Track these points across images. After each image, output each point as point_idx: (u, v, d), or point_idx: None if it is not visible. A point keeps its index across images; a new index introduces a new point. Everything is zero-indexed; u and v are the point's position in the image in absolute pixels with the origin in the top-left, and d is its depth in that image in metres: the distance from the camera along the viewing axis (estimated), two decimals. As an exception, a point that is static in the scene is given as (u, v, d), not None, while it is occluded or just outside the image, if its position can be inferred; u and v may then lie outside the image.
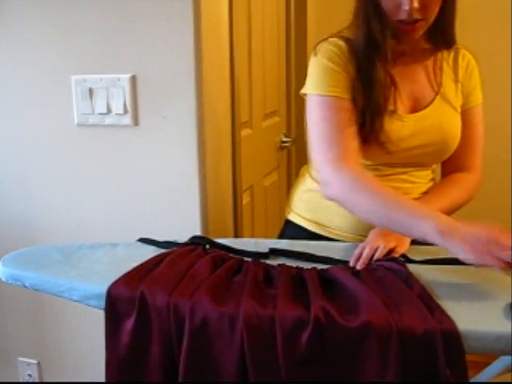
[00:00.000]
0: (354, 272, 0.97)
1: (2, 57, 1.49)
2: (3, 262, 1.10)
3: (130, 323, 0.92)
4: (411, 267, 0.99)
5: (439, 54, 1.22)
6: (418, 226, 0.96)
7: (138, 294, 0.92)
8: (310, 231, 1.31)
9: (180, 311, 0.88)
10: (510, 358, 1.28)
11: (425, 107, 1.19)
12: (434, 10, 1.11)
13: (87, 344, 1.63)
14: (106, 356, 0.95)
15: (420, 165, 1.23)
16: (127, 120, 1.41)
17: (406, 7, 1.07)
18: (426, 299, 0.86)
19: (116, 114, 1.41)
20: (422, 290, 0.89)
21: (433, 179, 1.29)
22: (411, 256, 1.07)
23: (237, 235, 1.66)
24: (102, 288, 0.95)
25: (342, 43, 1.17)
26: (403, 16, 1.09)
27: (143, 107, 1.40)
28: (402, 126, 1.16)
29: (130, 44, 1.37)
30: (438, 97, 1.20)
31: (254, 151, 1.88)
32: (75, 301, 1.01)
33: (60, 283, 1.01)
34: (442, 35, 1.18)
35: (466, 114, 1.23)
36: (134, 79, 1.38)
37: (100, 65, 1.40)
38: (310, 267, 1.00)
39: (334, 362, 0.82)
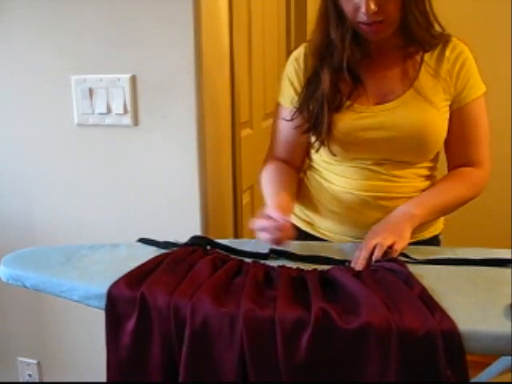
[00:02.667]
0: (354, 273, 0.96)
1: (2, 57, 1.49)
2: (4, 262, 1.10)
3: (130, 324, 0.92)
4: (412, 268, 0.99)
5: (417, 49, 1.19)
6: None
7: (139, 295, 0.92)
8: (302, 230, 1.33)
9: (180, 312, 0.88)
10: (510, 358, 1.28)
11: (391, 101, 1.18)
12: (393, 11, 1.10)
13: (87, 344, 1.63)
14: (106, 356, 0.95)
15: (398, 161, 1.21)
16: (127, 120, 1.41)
17: (363, 10, 1.08)
18: (427, 300, 0.86)
19: (116, 114, 1.41)
20: (423, 290, 0.89)
21: (427, 177, 1.26)
22: (412, 256, 1.07)
23: (237, 235, 1.66)
24: (103, 288, 0.95)
25: (302, 50, 1.26)
26: (362, 18, 1.10)
27: (143, 107, 1.40)
28: (358, 118, 1.18)
29: (130, 44, 1.37)
30: (409, 91, 1.18)
31: (253, 151, 1.88)
32: (75, 301, 1.01)
33: (60, 283, 1.01)
34: (410, 35, 1.16)
35: (462, 110, 1.21)
36: (134, 79, 1.38)
37: (100, 65, 1.40)
38: (310, 268, 1.00)
39: (335, 362, 0.82)
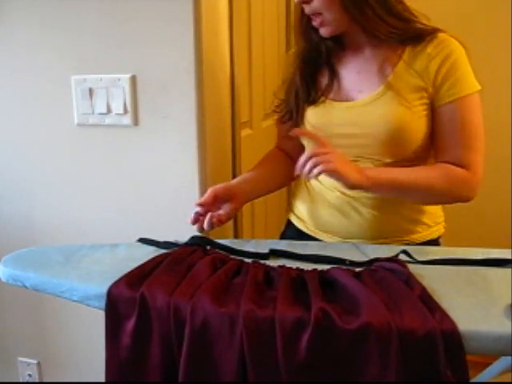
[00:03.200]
0: (354, 273, 0.96)
1: (2, 57, 1.49)
2: (3, 263, 1.10)
3: (130, 324, 0.92)
4: (412, 268, 0.99)
5: (395, 46, 1.16)
6: None
7: (139, 295, 0.92)
8: (298, 229, 1.34)
9: (180, 312, 0.88)
10: (510, 358, 1.28)
11: (365, 97, 1.18)
12: (323, 4, 1.12)
13: (87, 344, 1.63)
14: (106, 356, 0.95)
15: (375, 159, 1.18)
16: (127, 120, 1.41)
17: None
18: (427, 300, 0.86)
19: (116, 113, 1.41)
20: (423, 290, 0.89)
21: None
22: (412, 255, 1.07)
23: (237, 235, 1.66)
24: (103, 288, 0.95)
25: (292, 51, 1.33)
26: (308, 12, 1.17)
27: (143, 107, 1.39)
28: (330, 112, 1.20)
29: (130, 44, 1.37)
30: (382, 88, 1.15)
31: (253, 151, 1.88)
32: (75, 301, 1.01)
33: (60, 283, 1.01)
34: (371, 32, 1.15)
35: (444, 109, 1.13)
36: (134, 79, 1.38)
37: (100, 65, 1.40)
38: (310, 268, 1.00)
39: (334, 363, 0.82)
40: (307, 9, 1.15)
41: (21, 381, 1.73)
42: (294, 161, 1.15)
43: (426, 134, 1.17)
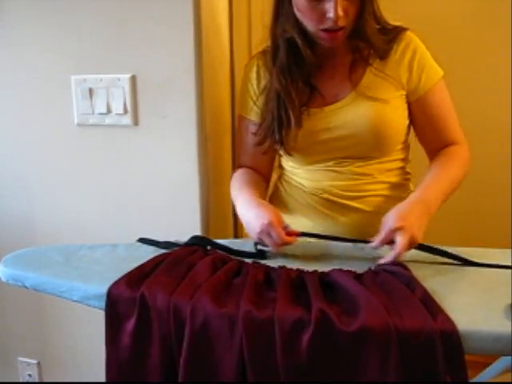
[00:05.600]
0: (355, 275, 0.96)
1: (2, 57, 1.49)
2: (3, 263, 1.10)
3: (130, 324, 0.92)
4: (413, 268, 0.98)
5: (364, 51, 1.19)
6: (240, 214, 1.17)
7: (139, 295, 0.92)
8: None
9: (180, 313, 0.88)
10: (510, 358, 1.28)
11: (339, 100, 1.20)
12: (352, 16, 1.11)
13: (87, 344, 1.63)
14: (106, 356, 0.95)
15: (359, 157, 1.21)
16: (127, 120, 1.41)
17: (331, 15, 1.07)
18: (429, 303, 0.85)
19: (116, 114, 1.41)
20: (425, 293, 0.88)
21: (397, 170, 1.26)
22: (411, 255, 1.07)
23: (237, 235, 1.66)
24: (103, 288, 0.95)
25: (255, 61, 1.29)
26: (328, 24, 1.09)
27: (143, 107, 1.39)
28: (312, 120, 1.19)
29: (130, 44, 1.37)
30: (354, 92, 1.19)
31: (253, 151, 1.88)
32: (75, 301, 1.01)
33: (60, 283, 1.01)
34: (366, 43, 1.17)
35: (424, 99, 1.21)
36: (134, 79, 1.38)
37: (100, 65, 1.40)
38: (310, 269, 0.99)
39: (334, 364, 0.82)
40: (341, 22, 1.09)
41: (21, 381, 1.73)
42: (266, 178, 1.31)
43: (406, 125, 1.23)
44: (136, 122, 1.41)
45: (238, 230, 1.66)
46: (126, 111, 1.40)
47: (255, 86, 1.28)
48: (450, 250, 1.12)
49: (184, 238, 1.18)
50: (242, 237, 1.68)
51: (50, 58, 1.44)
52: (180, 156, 1.39)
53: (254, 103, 1.27)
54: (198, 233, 1.39)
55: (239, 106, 1.34)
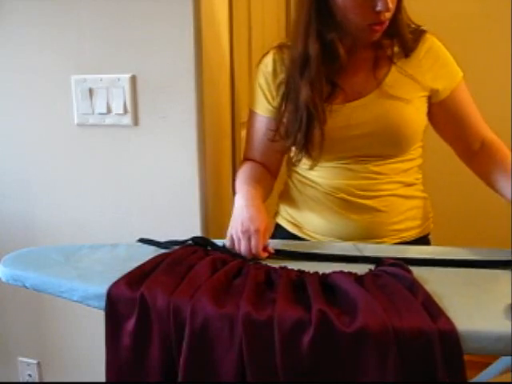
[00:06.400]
0: (356, 278, 0.95)
1: (2, 57, 1.49)
2: (3, 262, 1.10)
3: (130, 324, 0.92)
4: (413, 269, 0.98)
5: (388, 50, 1.20)
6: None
7: (139, 295, 0.92)
8: (290, 233, 1.33)
9: (180, 313, 0.88)
10: (510, 358, 1.28)
11: (362, 98, 1.19)
12: (393, 8, 1.12)
13: (87, 344, 1.63)
14: (106, 356, 0.95)
15: (375, 156, 1.21)
16: (127, 120, 1.41)
17: (381, 8, 1.07)
18: (430, 306, 0.85)
19: (116, 113, 1.41)
20: (427, 296, 0.88)
21: (410, 170, 1.26)
22: (410, 255, 1.07)
23: (237, 235, 1.66)
24: (103, 288, 0.95)
25: (271, 56, 1.26)
26: (376, 18, 1.10)
27: (143, 107, 1.39)
28: (334, 116, 1.18)
29: (130, 44, 1.37)
30: (377, 90, 1.19)
31: (253, 151, 1.88)
32: (75, 301, 1.01)
33: (60, 283, 1.01)
34: (398, 36, 1.18)
35: (448, 102, 1.22)
36: (134, 79, 1.38)
37: (100, 65, 1.40)
38: (311, 271, 0.99)
39: (334, 364, 0.81)
40: (388, 14, 1.10)
41: (21, 381, 1.73)
42: (274, 175, 1.31)
43: (424, 126, 1.23)
44: (136, 122, 1.41)
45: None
46: (126, 111, 1.40)
47: (271, 82, 1.26)
48: (450, 249, 1.12)
49: (184, 237, 1.17)
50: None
51: (50, 58, 1.44)
52: (180, 156, 1.39)
53: (270, 100, 1.26)
54: (198, 233, 1.39)
55: (251, 101, 1.32)
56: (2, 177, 1.58)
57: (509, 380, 1.42)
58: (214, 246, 1.14)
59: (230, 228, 1.13)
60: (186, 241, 1.15)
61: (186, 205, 1.41)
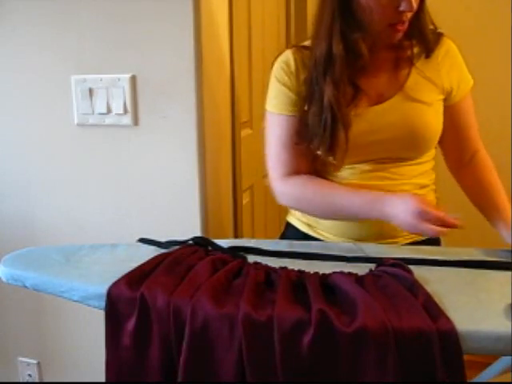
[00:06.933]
0: (357, 279, 0.95)
1: (2, 57, 1.49)
2: (4, 262, 1.10)
3: (130, 324, 0.92)
4: (413, 269, 0.98)
5: (408, 51, 1.20)
6: (368, 215, 1.13)
7: (139, 295, 0.92)
8: (303, 232, 1.32)
9: (180, 313, 0.88)
10: (510, 358, 1.28)
11: (385, 101, 1.18)
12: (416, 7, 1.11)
13: (87, 344, 1.63)
14: (106, 356, 0.95)
15: (398, 158, 1.21)
16: (127, 120, 1.41)
17: (405, 8, 1.07)
18: (431, 307, 0.85)
19: (116, 113, 1.41)
20: (428, 297, 0.87)
21: (426, 172, 1.26)
22: (411, 255, 1.07)
23: (237, 235, 1.66)
24: (103, 288, 0.95)
25: (291, 55, 1.21)
26: (398, 18, 1.09)
27: (143, 107, 1.40)
28: (359, 121, 1.16)
29: (130, 44, 1.37)
30: (399, 93, 1.18)
31: (254, 151, 1.88)
32: (75, 301, 1.01)
33: (60, 283, 1.01)
34: (420, 36, 1.17)
35: (455, 108, 1.23)
36: (134, 79, 1.38)
37: (100, 65, 1.40)
38: (311, 271, 0.99)
39: (334, 364, 0.81)
40: (409, 15, 1.10)
41: (21, 381, 1.73)
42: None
43: (441, 129, 1.23)
44: (136, 122, 1.41)
45: (238, 230, 1.66)
46: (126, 111, 1.40)
47: (295, 82, 1.20)
48: (451, 250, 1.12)
49: (184, 238, 1.17)
50: (241, 237, 1.68)
51: (50, 58, 1.44)
52: (180, 156, 1.39)
53: (296, 99, 1.20)
54: (198, 233, 1.39)
55: (273, 104, 1.23)
56: (2, 177, 1.58)
57: (509, 380, 1.42)
58: (214, 246, 1.14)
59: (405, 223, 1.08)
60: (187, 241, 1.15)
61: (185, 204, 1.41)
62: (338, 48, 1.12)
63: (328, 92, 1.13)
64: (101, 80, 1.40)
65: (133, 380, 0.94)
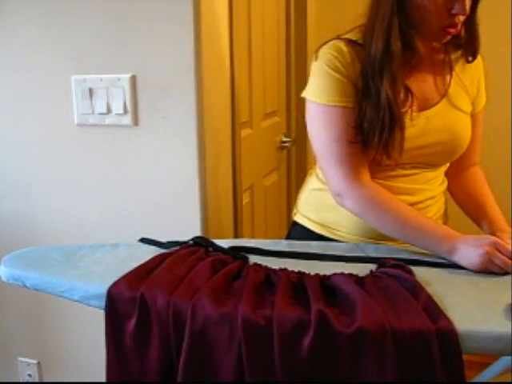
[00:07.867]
0: (357, 280, 0.94)
1: (2, 57, 1.49)
2: (4, 262, 1.10)
3: (130, 324, 0.92)
4: (416, 271, 0.98)
5: (448, 57, 1.21)
6: (432, 248, 1.09)
7: (139, 295, 0.92)
8: (315, 233, 1.30)
9: (180, 313, 0.88)
10: (510, 358, 1.28)
11: (432, 106, 1.18)
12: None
13: (87, 344, 1.63)
14: (106, 356, 0.95)
15: (428, 164, 1.21)
16: (127, 120, 1.41)
17: (458, 11, 1.07)
18: (432, 308, 0.85)
19: (116, 114, 1.41)
20: (428, 298, 0.87)
21: (443, 181, 1.28)
22: (411, 256, 1.07)
23: (237, 235, 1.66)
24: (103, 288, 0.95)
25: (343, 46, 1.14)
26: (450, 21, 1.09)
27: (143, 107, 1.40)
28: (411, 125, 1.14)
29: (129, 44, 1.37)
30: (444, 99, 1.19)
31: (254, 151, 1.88)
32: (75, 301, 1.01)
33: (60, 283, 1.01)
34: (471, 39, 1.18)
35: (478, 115, 1.26)
36: (134, 79, 1.38)
37: (100, 65, 1.40)
38: (312, 273, 0.99)
39: (333, 365, 0.81)
40: (461, 18, 1.10)
41: (21, 381, 1.73)
42: None
43: None
44: (136, 122, 1.41)
45: (238, 230, 1.66)
46: (126, 111, 1.40)
47: (352, 73, 1.13)
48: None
49: (184, 238, 1.17)
50: (241, 237, 1.68)
51: (50, 58, 1.44)
52: (180, 156, 1.39)
53: (352, 89, 1.13)
54: (198, 233, 1.39)
55: (328, 97, 1.14)
56: (2, 177, 1.58)
57: (509, 380, 1.42)
58: (214, 246, 1.14)
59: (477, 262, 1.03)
60: (187, 241, 1.15)
61: (185, 205, 1.41)
62: (396, 44, 1.09)
63: (386, 90, 1.09)
64: (101, 80, 1.40)
65: (133, 380, 0.94)
